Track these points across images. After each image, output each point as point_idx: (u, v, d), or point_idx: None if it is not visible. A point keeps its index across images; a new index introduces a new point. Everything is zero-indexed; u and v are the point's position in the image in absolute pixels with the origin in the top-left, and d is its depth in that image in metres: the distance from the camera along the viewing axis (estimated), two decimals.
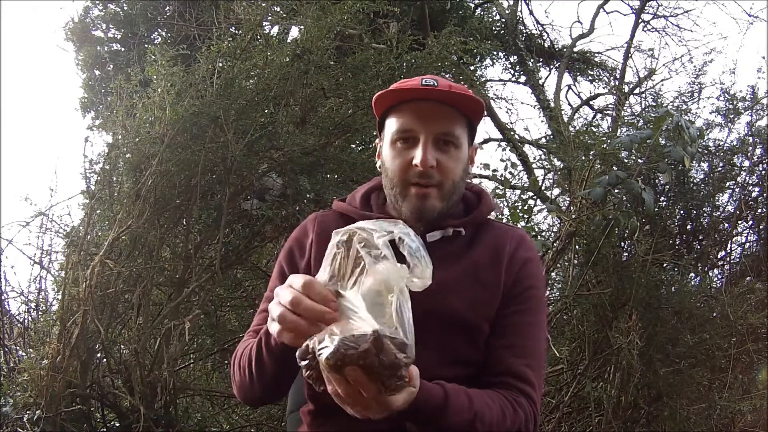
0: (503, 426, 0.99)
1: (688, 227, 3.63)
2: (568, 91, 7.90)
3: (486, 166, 4.58)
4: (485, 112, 1.17)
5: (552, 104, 7.25)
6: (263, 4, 3.85)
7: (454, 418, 0.94)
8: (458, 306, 1.07)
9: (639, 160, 2.95)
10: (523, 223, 3.42)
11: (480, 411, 0.97)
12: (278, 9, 4.08)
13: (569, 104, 7.84)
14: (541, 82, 7.69)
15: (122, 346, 2.67)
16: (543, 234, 3.60)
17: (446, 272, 1.07)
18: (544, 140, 6.74)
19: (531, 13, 8.51)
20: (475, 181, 5.53)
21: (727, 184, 3.69)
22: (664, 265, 3.21)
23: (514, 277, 1.11)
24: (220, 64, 2.90)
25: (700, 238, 3.64)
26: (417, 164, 1.08)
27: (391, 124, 1.13)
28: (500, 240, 1.14)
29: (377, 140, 1.22)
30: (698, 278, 3.47)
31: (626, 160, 3.14)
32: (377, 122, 1.20)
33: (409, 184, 1.10)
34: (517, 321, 1.10)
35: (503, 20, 7.54)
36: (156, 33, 5.51)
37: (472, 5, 7.00)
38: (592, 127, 4.99)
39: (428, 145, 1.08)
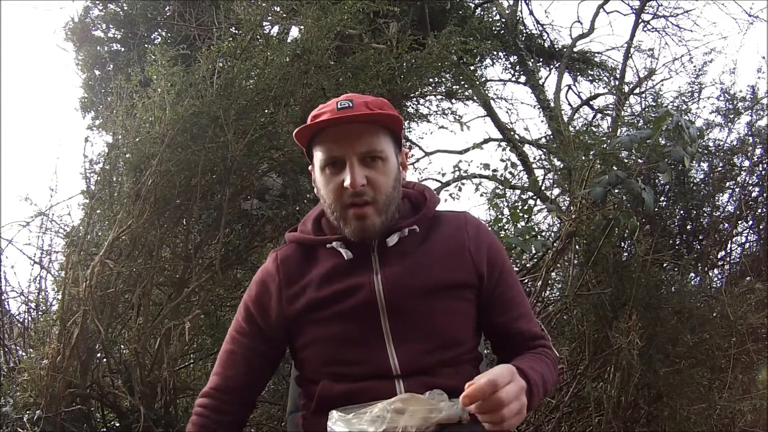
0: (554, 374, 1.22)
1: (688, 227, 3.63)
2: (568, 91, 7.90)
3: (486, 166, 4.60)
4: (401, 121, 1.22)
5: (552, 104, 7.24)
6: (263, 4, 3.84)
7: (540, 389, 1.12)
8: (433, 274, 1.16)
9: (639, 160, 2.95)
10: (523, 223, 3.42)
11: (543, 372, 1.16)
12: (278, 9, 4.08)
13: (569, 104, 7.84)
14: (541, 82, 7.68)
15: (122, 346, 2.66)
16: (543, 234, 3.60)
17: (412, 258, 1.18)
18: (544, 140, 6.74)
19: (531, 13, 8.52)
20: (475, 181, 5.55)
21: (727, 184, 3.69)
22: (664, 265, 3.21)
23: (487, 259, 1.21)
24: (220, 64, 2.90)
25: (700, 238, 3.64)
26: (348, 186, 1.12)
27: (318, 153, 1.18)
28: (455, 226, 1.24)
29: (310, 167, 1.25)
30: (698, 278, 3.47)
31: (626, 160, 3.13)
32: (305, 152, 1.24)
33: (346, 206, 1.15)
34: (509, 296, 1.24)
35: (503, 20, 7.53)
36: (156, 33, 5.50)
37: (472, 5, 7.00)
38: (592, 127, 4.98)
39: (355, 166, 1.13)
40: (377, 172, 1.14)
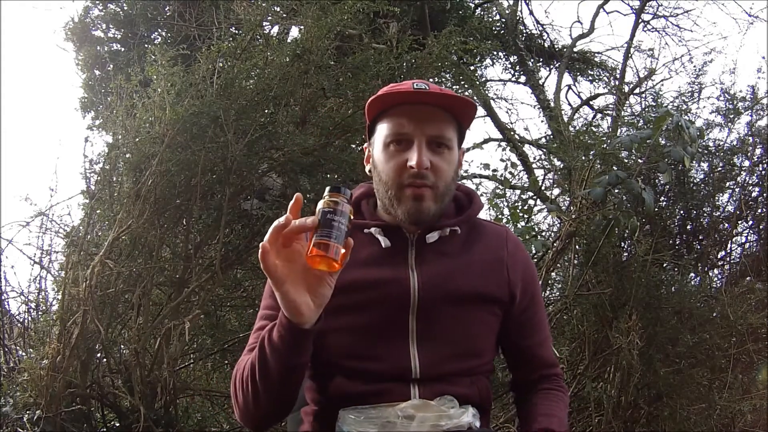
0: (566, 409, 1.21)
1: (688, 227, 3.63)
2: (568, 91, 7.92)
3: (486, 166, 4.59)
4: (477, 114, 1.20)
5: (552, 104, 7.25)
6: (263, 4, 3.85)
7: None
8: (469, 282, 1.14)
9: (639, 160, 2.95)
10: (523, 223, 3.42)
11: (563, 417, 1.16)
12: (278, 9, 4.08)
13: (569, 104, 7.86)
14: (541, 82, 7.70)
15: (122, 346, 2.67)
16: (543, 234, 3.60)
17: (451, 261, 1.15)
18: (544, 140, 6.75)
19: (531, 13, 8.54)
20: (475, 180, 5.55)
21: (727, 184, 3.69)
22: (664, 265, 3.21)
23: (521, 280, 1.19)
24: (220, 64, 2.91)
25: (700, 238, 3.64)
26: (412, 165, 1.09)
27: (383, 128, 1.15)
28: (496, 238, 1.22)
29: (365, 145, 1.23)
30: (698, 278, 3.47)
31: (626, 160, 3.14)
32: (367, 127, 1.22)
33: (404, 186, 1.11)
34: (536, 320, 1.23)
35: (503, 20, 7.54)
36: (156, 33, 5.51)
37: (472, 5, 7.00)
38: (592, 127, 4.99)
39: (422, 147, 1.10)
40: (442, 158, 1.12)
